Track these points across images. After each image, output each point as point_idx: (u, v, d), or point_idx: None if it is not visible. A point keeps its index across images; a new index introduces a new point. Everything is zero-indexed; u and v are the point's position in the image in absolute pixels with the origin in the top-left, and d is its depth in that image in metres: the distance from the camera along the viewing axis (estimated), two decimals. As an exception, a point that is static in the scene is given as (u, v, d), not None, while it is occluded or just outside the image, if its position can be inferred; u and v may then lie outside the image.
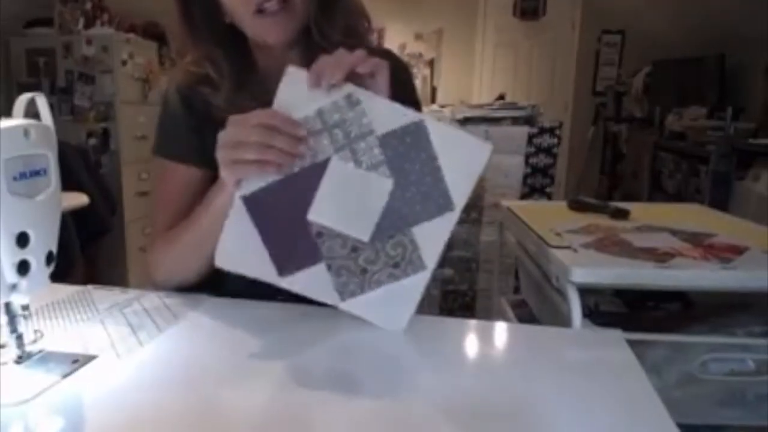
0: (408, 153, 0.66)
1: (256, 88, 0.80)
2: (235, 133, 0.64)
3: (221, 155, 0.66)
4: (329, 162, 0.67)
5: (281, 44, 0.77)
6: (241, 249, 0.69)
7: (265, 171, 0.66)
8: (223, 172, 0.67)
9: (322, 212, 0.67)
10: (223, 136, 0.65)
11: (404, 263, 0.68)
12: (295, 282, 0.69)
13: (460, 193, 0.67)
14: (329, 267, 0.69)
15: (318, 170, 0.67)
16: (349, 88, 0.65)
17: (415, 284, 0.69)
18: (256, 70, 0.83)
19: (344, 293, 0.69)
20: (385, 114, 0.66)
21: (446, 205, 0.67)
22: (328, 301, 0.70)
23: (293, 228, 0.68)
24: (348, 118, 0.66)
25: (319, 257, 0.68)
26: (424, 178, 0.67)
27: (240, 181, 0.67)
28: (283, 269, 0.69)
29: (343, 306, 0.70)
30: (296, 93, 0.66)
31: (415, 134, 0.66)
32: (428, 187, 0.67)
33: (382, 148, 0.66)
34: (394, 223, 0.68)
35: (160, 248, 0.82)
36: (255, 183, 0.67)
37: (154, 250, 0.83)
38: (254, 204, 0.68)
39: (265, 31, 0.77)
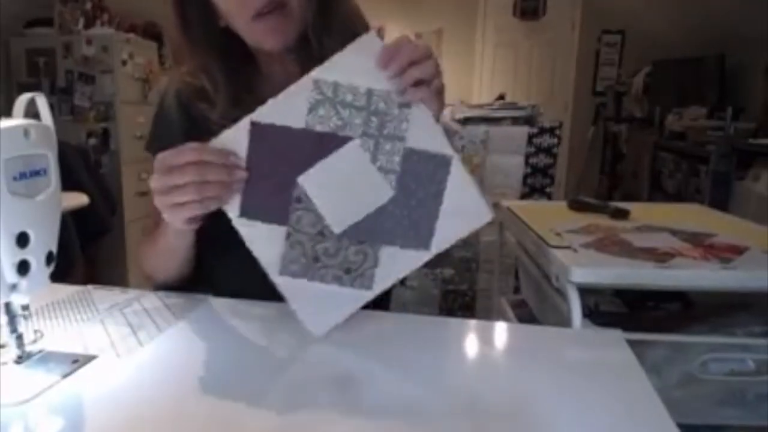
0: (421, 178, 0.65)
1: (252, 104, 0.79)
2: (166, 179, 0.63)
3: (158, 202, 0.65)
4: (349, 141, 0.64)
5: (279, 49, 0.77)
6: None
7: (208, 205, 0.64)
8: (167, 217, 0.66)
9: (312, 181, 0.65)
10: (154, 183, 0.64)
11: (355, 274, 0.67)
12: (247, 228, 0.66)
13: (441, 240, 0.66)
14: (288, 235, 0.66)
15: (335, 142, 0.64)
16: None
17: (354, 299, 0.67)
18: (253, 84, 0.82)
19: (285, 268, 0.67)
20: (424, 131, 0.64)
21: (424, 243, 0.66)
22: (264, 266, 0.67)
23: (279, 179, 0.65)
24: (390, 114, 0.64)
25: (284, 220, 0.66)
26: (421, 209, 0.65)
27: (191, 219, 0.66)
28: (245, 210, 0.66)
29: (277, 280, 0.67)
30: (360, 60, 0.63)
31: (438, 166, 0.65)
32: (420, 218, 0.65)
33: (403, 159, 0.65)
34: (371, 232, 0.66)
35: (142, 246, 0.84)
36: (271, 117, 0.65)
37: (140, 246, 0.86)
38: (259, 134, 0.65)
39: (263, 36, 0.75)
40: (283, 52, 0.78)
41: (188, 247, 0.77)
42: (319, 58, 0.65)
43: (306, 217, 0.66)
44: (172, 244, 0.76)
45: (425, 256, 0.66)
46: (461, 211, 0.65)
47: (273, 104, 0.65)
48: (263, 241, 0.66)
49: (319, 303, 0.67)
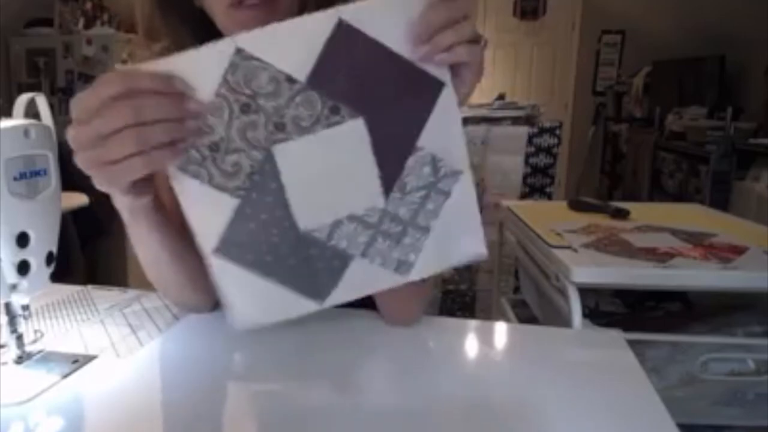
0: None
1: None
2: (87, 127, 0.44)
3: (82, 160, 0.45)
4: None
5: None
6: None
7: (161, 161, 0.46)
8: (101, 185, 0.47)
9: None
10: (74, 134, 0.45)
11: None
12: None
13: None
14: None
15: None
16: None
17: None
18: None
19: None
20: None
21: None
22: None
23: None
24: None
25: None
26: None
27: (139, 187, 0.49)
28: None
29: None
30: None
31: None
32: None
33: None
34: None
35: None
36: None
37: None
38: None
39: (241, 28, 0.56)
40: None
41: (160, 236, 0.58)
42: None
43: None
44: (138, 236, 0.59)
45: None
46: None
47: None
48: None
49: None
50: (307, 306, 0.55)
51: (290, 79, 0.48)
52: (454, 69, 0.50)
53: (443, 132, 0.52)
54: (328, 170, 0.51)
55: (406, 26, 0.48)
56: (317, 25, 0.47)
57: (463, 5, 0.48)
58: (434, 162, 0.53)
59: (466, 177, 0.54)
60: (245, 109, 0.48)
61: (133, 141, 0.44)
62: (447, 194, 0.54)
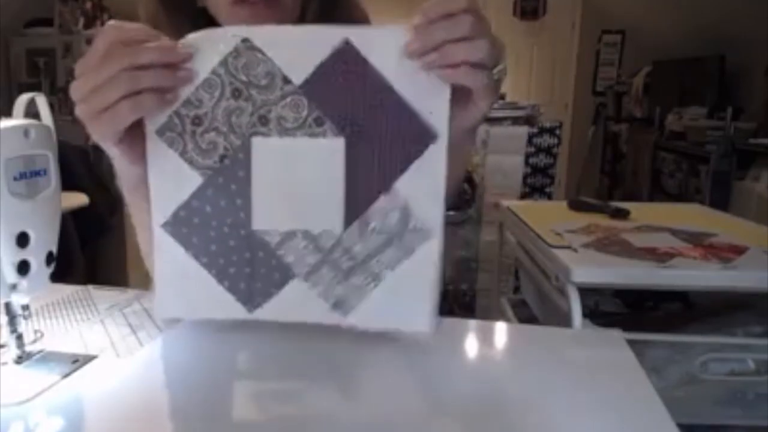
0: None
1: None
2: (86, 79, 0.47)
3: (79, 111, 0.48)
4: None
5: None
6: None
7: (146, 106, 0.48)
8: (95, 134, 0.49)
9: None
10: (73, 86, 0.48)
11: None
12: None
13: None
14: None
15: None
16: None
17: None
18: None
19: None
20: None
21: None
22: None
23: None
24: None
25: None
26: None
27: (118, 134, 0.49)
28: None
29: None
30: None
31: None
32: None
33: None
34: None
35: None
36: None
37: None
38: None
39: (243, 24, 0.63)
40: None
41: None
42: None
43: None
44: (139, 218, 0.62)
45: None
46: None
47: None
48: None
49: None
50: (234, 310, 0.54)
51: (285, 79, 0.49)
52: (460, 94, 0.49)
53: (424, 184, 0.51)
54: (296, 178, 0.51)
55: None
56: (326, 36, 0.49)
57: (465, 20, 0.47)
58: (406, 211, 0.52)
59: (434, 243, 0.52)
60: (236, 94, 0.50)
61: (123, 83, 0.46)
62: (409, 251, 0.52)
